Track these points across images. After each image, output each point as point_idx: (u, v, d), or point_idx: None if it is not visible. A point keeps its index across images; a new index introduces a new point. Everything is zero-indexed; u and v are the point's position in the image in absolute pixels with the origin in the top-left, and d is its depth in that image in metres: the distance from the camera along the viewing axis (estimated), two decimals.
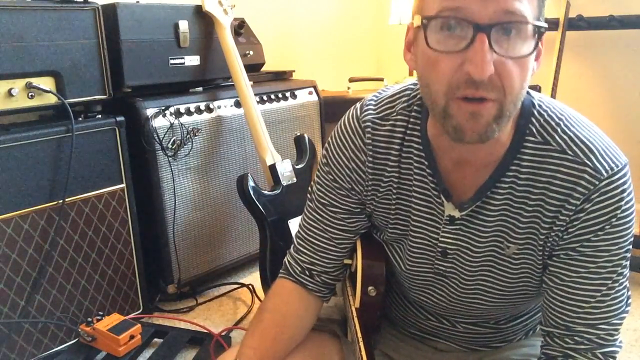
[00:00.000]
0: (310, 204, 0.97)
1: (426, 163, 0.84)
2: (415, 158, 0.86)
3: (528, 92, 0.81)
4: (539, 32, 0.67)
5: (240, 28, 2.12)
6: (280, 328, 0.91)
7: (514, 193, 0.80)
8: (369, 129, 0.88)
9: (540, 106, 0.79)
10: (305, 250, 0.96)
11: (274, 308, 0.94)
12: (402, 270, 0.94)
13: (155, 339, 1.61)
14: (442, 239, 0.86)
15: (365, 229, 0.97)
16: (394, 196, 0.89)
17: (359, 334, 0.89)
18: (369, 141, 0.88)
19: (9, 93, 1.40)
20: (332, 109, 2.27)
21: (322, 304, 1.00)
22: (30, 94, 1.44)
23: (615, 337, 0.79)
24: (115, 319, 1.49)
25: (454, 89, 0.68)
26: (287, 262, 0.99)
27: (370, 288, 0.94)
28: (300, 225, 0.99)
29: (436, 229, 0.86)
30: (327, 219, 0.94)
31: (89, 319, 1.49)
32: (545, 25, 0.68)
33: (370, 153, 0.88)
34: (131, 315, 1.67)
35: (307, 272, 0.96)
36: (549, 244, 0.80)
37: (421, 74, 0.74)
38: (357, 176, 0.91)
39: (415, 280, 0.93)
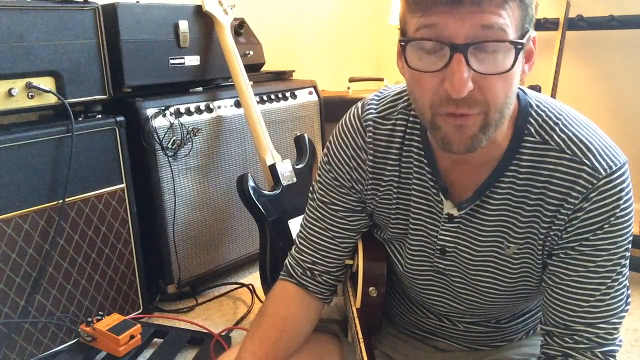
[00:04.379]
0: (311, 203, 0.97)
1: (425, 161, 0.85)
2: (415, 156, 0.86)
3: (525, 92, 0.81)
4: (517, 47, 0.66)
5: (240, 28, 2.12)
6: (280, 332, 0.90)
7: (513, 193, 0.80)
8: (370, 128, 0.89)
9: (538, 106, 0.80)
10: (307, 250, 0.97)
11: (274, 311, 0.94)
12: (402, 269, 0.94)
13: (155, 339, 1.61)
14: (441, 237, 0.86)
15: (366, 228, 0.97)
16: (394, 195, 0.89)
17: (360, 334, 0.89)
18: (370, 140, 0.89)
19: (9, 93, 1.40)
20: (332, 109, 2.27)
21: (323, 306, 0.99)
22: (30, 94, 1.44)
23: (615, 336, 0.79)
24: (115, 319, 1.49)
25: (437, 106, 0.70)
26: (288, 263, 0.99)
27: (371, 289, 0.94)
28: (301, 225, 0.99)
29: (435, 226, 0.87)
30: (329, 218, 0.94)
31: (89, 319, 1.49)
32: (523, 41, 0.67)
33: (371, 152, 0.89)
34: (131, 315, 1.67)
35: (308, 273, 0.96)
36: (548, 243, 0.80)
37: (408, 86, 0.76)
38: (358, 175, 0.91)
39: (416, 279, 0.93)
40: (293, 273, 0.97)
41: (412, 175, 0.87)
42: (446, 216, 0.85)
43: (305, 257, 0.97)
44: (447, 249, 0.87)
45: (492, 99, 0.68)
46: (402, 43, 0.71)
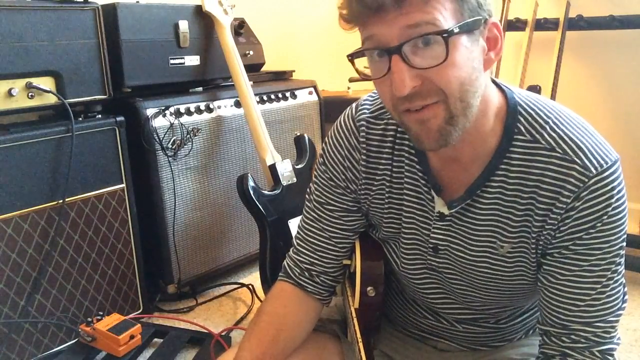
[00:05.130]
0: (308, 204, 0.98)
1: (416, 160, 0.86)
2: (406, 155, 0.87)
3: (513, 92, 0.81)
4: (444, 36, 0.67)
5: (240, 28, 2.12)
6: (277, 330, 0.91)
7: (504, 192, 0.80)
8: (363, 128, 0.89)
9: (528, 105, 0.80)
10: (304, 251, 0.97)
11: (272, 311, 0.94)
12: (398, 268, 0.94)
13: (155, 339, 1.61)
14: (433, 235, 0.87)
15: (363, 228, 0.98)
16: (386, 194, 0.90)
17: (359, 334, 0.89)
18: (363, 140, 0.89)
19: (9, 93, 1.40)
20: (332, 109, 2.27)
21: (322, 307, 1.00)
22: (30, 94, 1.44)
23: (613, 335, 0.79)
24: (115, 319, 1.49)
25: (397, 105, 0.73)
26: (286, 264, 1.00)
27: (369, 288, 0.94)
28: (299, 226, 0.99)
29: (427, 225, 0.87)
30: (325, 218, 0.95)
31: (89, 319, 1.49)
32: (451, 28, 0.67)
33: (364, 151, 0.89)
34: (131, 315, 1.67)
35: (306, 274, 0.96)
36: (541, 243, 0.80)
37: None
38: (352, 175, 0.91)
39: (412, 277, 0.93)
40: (291, 274, 0.97)
41: (404, 174, 0.87)
42: (437, 215, 0.85)
43: (303, 258, 0.97)
44: (440, 247, 0.87)
45: (445, 86, 0.69)
46: (349, 57, 0.75)
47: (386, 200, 0.90)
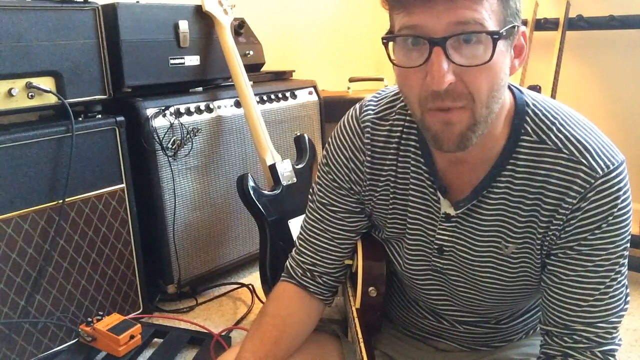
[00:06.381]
0: (311, 204, 0.98)
1: (422, 161, 0.85)
2: (412, 156, 0.86)
3: (522, 92, 0.81)
4: (494, 38, 0.67)
5: (240, 28, 2.12)
6: (280, 332, 0.91)
7: (510, 192, 0.80)
8: (368, 129, 0.89)
9: (535, 105, 0.80)
10: (306, 251, 0.97)
11: (274, 312, 0.94)
12: (401, 268, 0.94)
13: (155, 339, 1.61)
14: (439, 236, 0.86)
15: (366, 229, 0.97)
16: (391, 195, 0.90)
17: (360, 334, 0.89)
18: (368, 141, 0.89)
19: (9, 93, 1.40)
20: (332, 109, 2.27)
21: (324, 308, 1.00)
22: (30, 94, 1.44)
23: (614, 335, 0.79)
24: (115, 319, 1.49)
25: (424, 102, 0.71)
26: (288, 265, 1.00)
27: (370, 288, 0.94)
28: (301, 227, 0.99)
29: (433, 226, 0.87)
30: (328, 219, 0.95)
31: (89, 319, 1.49)
32: (500, 31, 0.67)
33: (369, 153, 0.89)
34: (131, 315, 1.67)
35: (308, 274, 0.96)
36: (546, 243, 0.80)
37: (398, 85, 0.77)
38: (356, 176, 0.91)
39: (415, 278, 0.93)
40: (293, 274, 0.97)
41: (410, 175, 0.87)
42: (443, 215, 0.85)
43: (305, 258, 0.97)
44: (445, 248, 0.87)
45: (475, 91, 0.69)
46: (383, 40, 0.73)
47: (390, 201, 0.90)
